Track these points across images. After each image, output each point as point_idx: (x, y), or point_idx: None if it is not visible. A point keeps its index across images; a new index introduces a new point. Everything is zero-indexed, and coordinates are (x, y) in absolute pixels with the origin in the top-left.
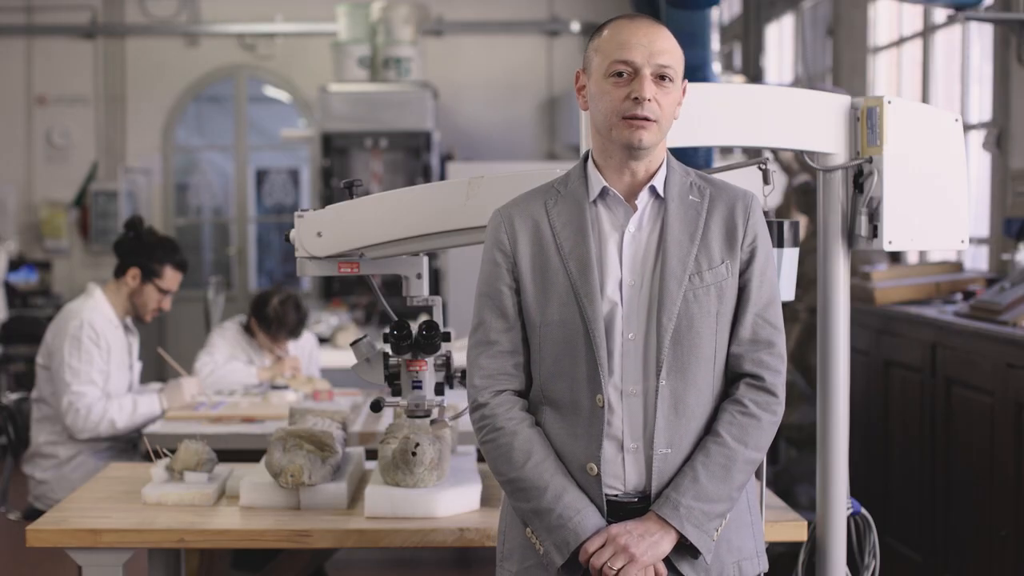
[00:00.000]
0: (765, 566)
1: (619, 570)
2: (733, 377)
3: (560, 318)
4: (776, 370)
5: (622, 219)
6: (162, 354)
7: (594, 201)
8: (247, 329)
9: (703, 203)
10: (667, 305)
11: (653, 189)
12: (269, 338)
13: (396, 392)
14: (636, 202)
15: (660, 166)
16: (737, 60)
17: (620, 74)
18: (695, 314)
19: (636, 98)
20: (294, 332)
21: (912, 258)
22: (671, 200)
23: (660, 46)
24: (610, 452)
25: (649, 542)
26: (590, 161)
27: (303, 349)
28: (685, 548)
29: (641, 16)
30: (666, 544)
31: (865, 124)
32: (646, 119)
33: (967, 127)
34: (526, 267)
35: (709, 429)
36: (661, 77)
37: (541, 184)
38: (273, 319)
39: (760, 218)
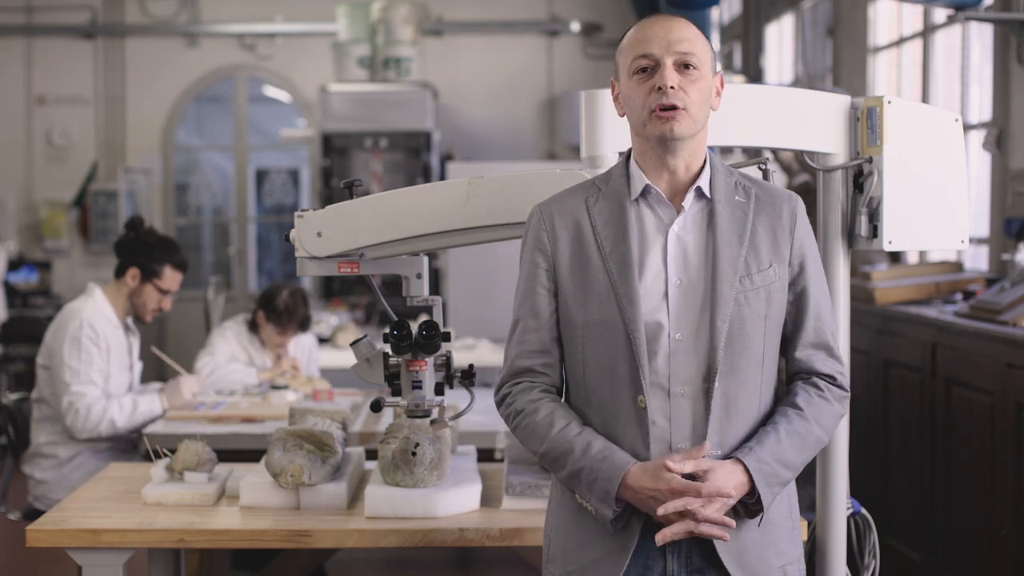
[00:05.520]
0: (803, 572)
1: (702, 475)
2: (804, 376)
3: (601, 319)
4: (843, 372)
5: (666, 219)
6: (157, 352)
7: (636, 199)
8: (252, 325)
9: (749, 203)
10: (720, 307)
11: (699, 190)
12: (278, 331)
13: (396, 392)
14: (683, 203)
15: (703, 166)
16: (737, 60)
17: (644, 69)
18: (746, 316)
19: (660, 88)
20: (303, 324)
21: (912, 258)
22: (718, 201)
23: (678, 35)
24: (657, 453)
25: (729, 469)
26: (632, 160)
27: (303, 349)
28: (738, 506)
29: (661, 13)
30: (738, 487)
31: (865, 124)
32: (674, 107)
33: (967, 127)
34: (565, 268)
35: (755, 429)
36: (685, 66)
37: (581, 181)
38: (284, 311)
39: (805, 220)
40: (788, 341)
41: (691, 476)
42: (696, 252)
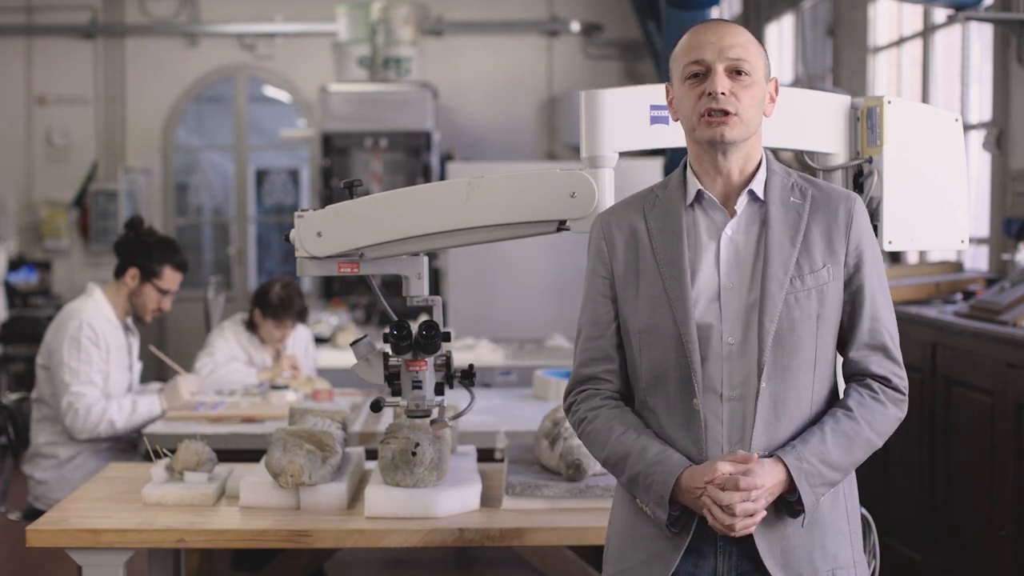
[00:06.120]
0: (864, 574)
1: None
2: (859, 378)
3: (655, 324)
4: (899, 374)
5: (719, 223)
6: (154, 351)
7: (691, 205)
8: (249, 324)
9: (804, 204)
10: (768, 308)
11: (752, 193)
12: (276, 325)
13: (396, 392)
14: (735, 207)
15: (758, 168)
16: None
17: (696, 75)
18: (796, 318)
19: (710, 93)
20: (301, 315)
21: (912, 258)
22: (771, 203)
23: (729, 41)
24: (712, 456)
25: (769, 468)
26: (688, 166)
27: (299, 345)
28: (782, 505)
29: (714, 19)
30: (778, 486)
31: (865, 124)
32: (724, 112)
33: (967, 127)
34: (622, 275)
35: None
36: (737, 72)
37: (641, 190)
38: (279, 304)
39: (864, 219)
40: (844, 342)
41: None
42: (747, 254)
